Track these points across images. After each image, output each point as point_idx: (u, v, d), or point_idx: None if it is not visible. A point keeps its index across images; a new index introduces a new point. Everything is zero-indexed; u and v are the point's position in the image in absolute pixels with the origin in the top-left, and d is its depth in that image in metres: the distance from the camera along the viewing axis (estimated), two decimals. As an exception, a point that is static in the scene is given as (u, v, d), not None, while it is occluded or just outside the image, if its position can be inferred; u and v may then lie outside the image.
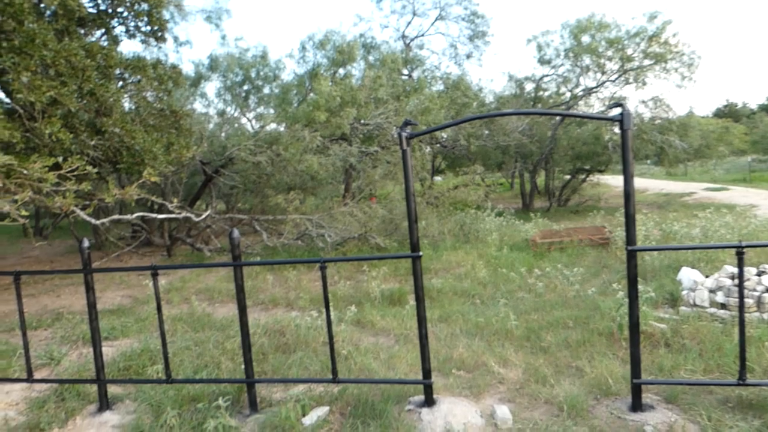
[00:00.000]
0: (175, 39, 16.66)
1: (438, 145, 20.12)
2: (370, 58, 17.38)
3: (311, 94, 13.88)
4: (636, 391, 3.67)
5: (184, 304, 7.88)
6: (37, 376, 4.70)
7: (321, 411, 3.93)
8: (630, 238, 3.49)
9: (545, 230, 11.81)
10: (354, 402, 4.04)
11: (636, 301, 3.56)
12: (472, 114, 17.76)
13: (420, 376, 3.95)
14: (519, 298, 7.12)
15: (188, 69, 17.50)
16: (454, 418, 3.71)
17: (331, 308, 6.91)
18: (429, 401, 3.86)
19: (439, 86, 18.93)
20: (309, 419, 3.81)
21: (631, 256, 3.50)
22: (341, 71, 15.27)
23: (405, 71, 19.78)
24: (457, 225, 12.34)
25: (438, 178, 28.42)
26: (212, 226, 13.39)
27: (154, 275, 4.05)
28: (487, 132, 19.11)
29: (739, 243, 3.36)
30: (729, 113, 49.16)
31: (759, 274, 5.43)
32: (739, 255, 3.38)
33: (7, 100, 6.70)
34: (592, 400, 4.00)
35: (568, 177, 21.26)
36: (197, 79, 15.91)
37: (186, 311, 7.31)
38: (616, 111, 3.50)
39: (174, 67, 9.46)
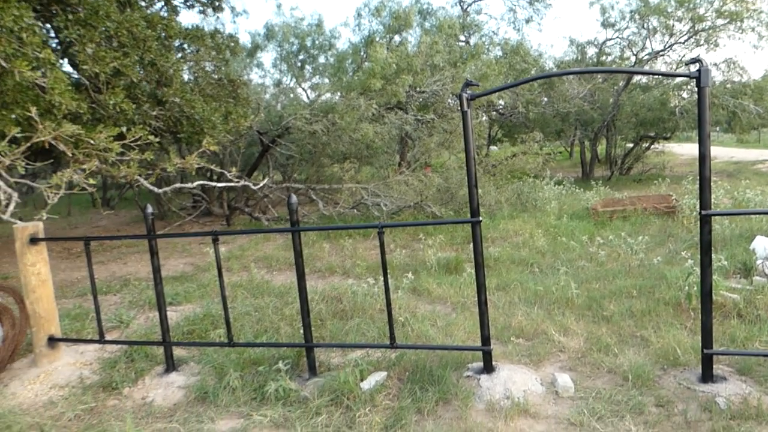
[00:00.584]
0: (232, 9, 16.77)
1: (495, 113, 19.64)
2: (427, 24, 17.00)
3: (366, 63, 13.75)
4: (707, 361, 3.49)
5: (244, 272, 8.07)
6: (108, 338, 4.92)
7: (379, 376, 3.95)
8: (704, 202, 3.27)
9: (607, 199, 11.39)
10: (411, 368, 4.03)
11: (709, 268, 3.36)
12: (530, 79, 17.18)
13: (478, 344, 3.89)
14: (579, 266, 6.92)
15: (245, 39, 17.68)
16: (514, 385, 3.65)
17: (388, 276, 6.96)
18: (488, 368, 3.80)
19: (497, 52, 18.37)
20: (367, 383, 3.83)
21: (705, 221, 3.29)
22: (397, 38, 15.03)
23: (462, 37, 19.28)
24: (514, 194, 12.07)
25: (494, 148, 27.85)
26: (269, 195, 13.61)
27: (215, 241, 4.12)
28: (546, 99, 18.49)
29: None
30: (811, 74, 45.73)
31: None
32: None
33: (74, 72, 6.92)
34: (659, 370, 3.85)
35: (630, 145, 20.38)
36: (253, 49, 16.03)
37: (245, 278, 7.48)
38: (693, 68, 3.25)
39: (231, 36, 9.53)
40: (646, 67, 18.47)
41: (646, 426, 3.18)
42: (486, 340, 3.76)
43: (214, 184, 7.75)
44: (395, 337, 3.97)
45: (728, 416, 3.17)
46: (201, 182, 7.61)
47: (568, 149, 28.72)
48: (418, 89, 12.83)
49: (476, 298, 3.80)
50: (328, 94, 15.72)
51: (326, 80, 16.47)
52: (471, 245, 8.69)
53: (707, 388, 3.47)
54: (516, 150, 15.56)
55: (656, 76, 18.44)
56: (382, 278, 6.65)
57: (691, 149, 27.20)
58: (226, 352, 4.50)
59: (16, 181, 5.28)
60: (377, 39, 14.06)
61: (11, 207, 4.83)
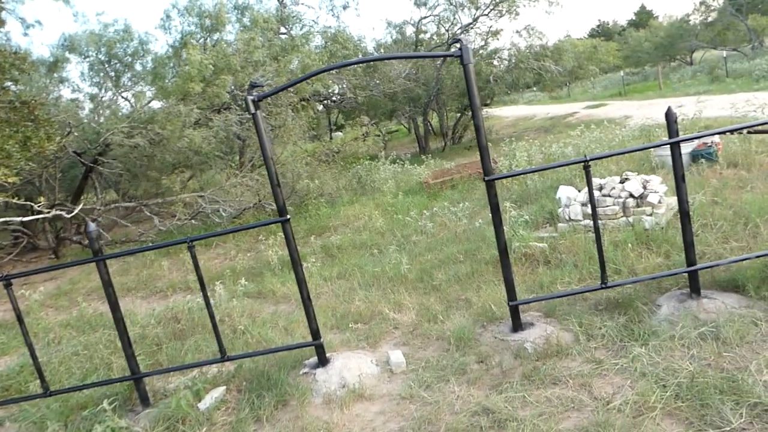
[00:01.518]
0: (22, 21, 15.03)
1: (327, 101, 19.80)
2: (245, 20, 16.58)
3: (186, 66, 13.14)
4: (514, 312, 3.85)
5: (74, 308, 7.43)
6: None
7: (217, 392, 3.85)
8: (486, 169, 3.57)
9: (437, 170, 12.04)
10: (249, 377, 3.98)
11: (500, 227, 3.69)
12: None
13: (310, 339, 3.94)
14: (413, 241, 7.25)
15: (42, 53, 16.01)
16: (349, 372, 3.75)
17: (229, 283, 6.79)
18: (322, 361, 3.87)
19: (320, 41, 18.46)
20: (204, 403, 3.73)
21: (490, 185, 3.60)
22: (214, 37, 14.53)
23: (283, 30, 19.09)
24: (354, 179, 12.32)
25: (338, 134, 28.12)
26: (100, 218, 12.59)
27: (7, 286, 3.73)
28: (377, 81, 18.97)
29: (585, 157, 3.54)
30: (602, 32, 51.59)
31: (622, 182, 5.80)
32: (586, 169, 3.56)
33: None
34: (479, 328, 4.17)
35: (459, 115, 21.68)
36: (54, 63, 14.57)
37: (75, 315, 6.89)
38: (455, 48, 3.52)
39: (16, 53, 8.59)
40: (462, 39, 19.60)
41: (468, 384, 3.43)
42: (315, 333, 3.82)
43: (23, 218, 7.02)
44: (225, 350, 3.89)
45: (535, 358, 3.53)
46: (4, 219, 6.84)
47: (407, 127, 29.87)
48: (242, 88, 12.53)
49: (308, 293, 3.83)
50: (151, 103, 14.81)
51: (147, 88, 15.51)
52: (312, 238, 8.79)
53: (518, 336, 3.83)
54: (353, 135, 15.86)
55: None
56: (231, 286, 6.53)
57: (513, 111, 29.60)
58: (46, 403, 4.12)
59: None
60: (192, 40, 13.46)
61: None
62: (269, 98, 12.80)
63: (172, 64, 14.64)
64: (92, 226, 3.66)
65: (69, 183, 14.62)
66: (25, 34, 20.59)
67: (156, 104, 14.71)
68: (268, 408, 3.54)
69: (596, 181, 5.97)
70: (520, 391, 3.18)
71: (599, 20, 70.52)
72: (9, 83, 9.04)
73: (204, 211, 10.99)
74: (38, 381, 4.66)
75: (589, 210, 5.84)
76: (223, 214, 10.53)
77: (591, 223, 5.75)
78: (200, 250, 9.49)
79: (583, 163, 3.56)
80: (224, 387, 3.92)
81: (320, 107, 21.60)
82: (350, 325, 4.80)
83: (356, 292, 5.66)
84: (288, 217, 3.67)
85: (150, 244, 10.35)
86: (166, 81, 13.74)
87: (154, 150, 11.55)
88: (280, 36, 18.22)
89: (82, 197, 14.38)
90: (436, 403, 3.25)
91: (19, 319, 3.79)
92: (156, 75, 14.36)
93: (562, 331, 3.78)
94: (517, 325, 3.88)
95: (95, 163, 12.72)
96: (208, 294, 5.92)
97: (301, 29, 19.17)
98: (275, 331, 5.01)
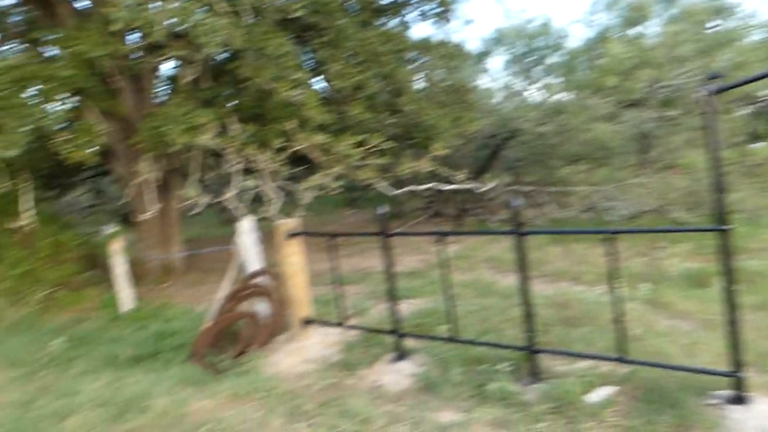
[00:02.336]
0: (461, 18, 17.14)
1: (755, 105, 16.86)
2: (670, 12, 15.41)
3: (600, 60, 13.02)
4: None
5: (470, 272, 8.24)
6: (348, 324, 5.47)
7: (607, 390, 3.73)
8: None
9: None
10: (645, 386, 3.72)
11: None
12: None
13: (727, 369, 3.43)
14: None
15: (473, 46, 18.05)
16: (773, 422, 3.13)
17: (622, 285, 6.49)
18: (739, 398, 3.33)
19: (759, 35, 15.72)
20: (593, 396, 3.65)
21: None
22: (634, 31, 13.93)
23: (713, 23, 16.97)
24: (781, 198, 10.25)
25: (760, 145, 23.88)
26: (498, 198, 13.67)
27: (442, 241, 4.33)
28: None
29: None
30: None
31: None
32: None
33: (323, 88, 7.87)
34: None
35: None
36: (481, 55, 16.28)
37: (472, 278, 7.64)
38: None
39: (457, 45, 9.84)
40: None
41: None
42: (738, 365, 3.30)
43: (443, 186, 8.08)
44: (627, 352, 3.71)
45: None
46: (430, 185, 8.01)
47: None
48: (659, 84, 11.69)
49: (727, 317, 3.36)
50: (559, 95, 15.22)
51: (556, 80, 15.99)
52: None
53: None
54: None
55: None
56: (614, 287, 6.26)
57: None
58: (449, 348, 4.68)
59: (278, 186, 6.20)
60: (612, 34, 13.21)
61: (276, 206, 5.69)
62: (691, 97, 11.63)
63: (585, 58, 14.69)
64: (517, 200, 3.92)
65: (475, 162, 16.31)
66: (461, 29, 23.48)
67: (560, 96, 15.07)
68: (665, 426, 3.25)
69: None
70: None
71: None
72: (445, 70, 10.41)
73: (598, 206, 10.79)
74: (444, 326, 5.37)
75: None
76: (618, 212, 10.12)
77: None
78: (590, 244, 9.37)
79: None
80: (615, 388, 3.76)
81: (741, 112, 18.58)
82: (774, 368, 4.01)
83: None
84: (730, 227, 3.21)
85: (551, 228, 10.71)
86: (578, 74, 13.87)
87: (558, 140, 11.84)
88: (709, 30, 16.27)
89: (484, 176, 15.88)
90: None
91: (446, 271, 4.36)
92: (568, 68, 14.64)
93: None
94: None
95: (501, 146, 13.81)
96: (602, 291, 5.81)
97: (736, 22, 16.72)
98: (673, 347, 4.57)
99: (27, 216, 7.05)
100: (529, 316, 3.99)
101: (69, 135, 5.87)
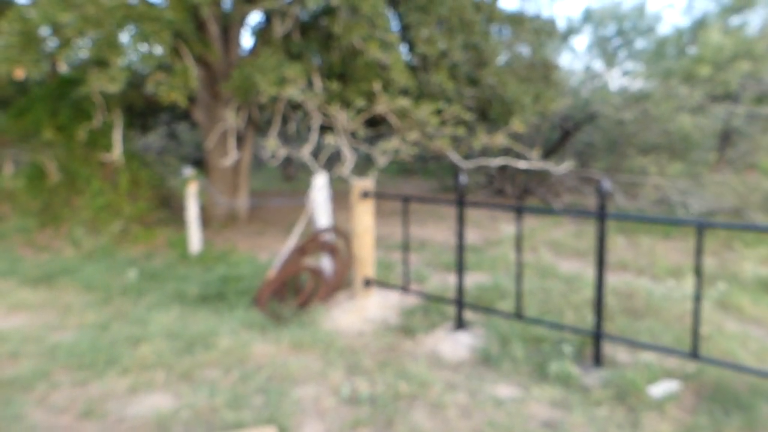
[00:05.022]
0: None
1: None
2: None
3: (691, 48, 12.36)
4: None
5: (531, 253, 8.16)
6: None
7: (671, 384, 3.68)
8: None
9: None
10: (712, 385, 3.65)
11: None
12: None
13: (806, 378, 3.32)
14: None
15: (559, 23, 17.42)
16: None
17: (684, 280, 6.30)
18: (815, 409, 3.22)
19: None
20: (657, 389, 3.61)
21: None
22: (735, 20, 13.10)
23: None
24: None
25: None
26: (564, 181, 13.38)
27: (519, 215, 4.31)
28: None
29: None
30: None
31: None
32: None
33: (408, 53, 7.82)
34: None
35: None
36: (567, 33, 15.74)
37: (532, 259, 7.57)
38: None
39: (550, 20, 9.54)
40: None
41: None
42: (818, 376, 3.19)
43: (516, 163, 7.94)
44: (699, 348, 3.63)
45: None
46: (504, 161, 7.91)
47: None
48: (758, 78, 11.02)
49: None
50: (641, 82, 14.58)
51: (641, 66, 15.29)
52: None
53: None
54: None
55: None
56: (683, 282, 6.10)
57: None
58: (510, 323, 4.69)
59: (354, 146, 6.27)
60: (710, 21, 12.46)
61: (349, 166, 5.76)
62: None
63: (672, 46, 13.97)
64: (606, 183, 3.84)
65: (544, 143, 15.93)
66: (550, 5, 22.74)
67: (641, 84, 14.44)
68: (732, 428, 3.18)
69: None
70: None
71: None
72: (531, 46, 10.11)
73: (670, 199, 10.40)
74: (504, 302, 5.37)
75: None
76: (691, 208, 9.74)
77: None
78: (657, 237, 9.09)
79: None
80: (680, 383, 3.71)
81: None
82: None
83: None
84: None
85: (648, 216, 10.43)
86: (667, 61, 13.21)
87: (636, 128, 11.41)
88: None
89: (550, 158, 15.55)
90: None
91: (518, 246, 4.35)
92: (657, 54, 13.97)
93: None
94: None
95: (574, 129, 13.43)
96: (671, 286, 5.67)
97: None
98: (742, 351, 4.43)
99: (116, 151, 7.41)
100: (599, 301, 3.95)
101: (165, 76, 6.10)
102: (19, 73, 5.45)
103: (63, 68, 8.10)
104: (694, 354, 3.60)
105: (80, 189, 8.32)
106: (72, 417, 3.39)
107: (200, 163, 11.13)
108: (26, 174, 8.87)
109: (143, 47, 5.72)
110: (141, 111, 10.80)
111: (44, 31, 5.60)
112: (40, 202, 8.56)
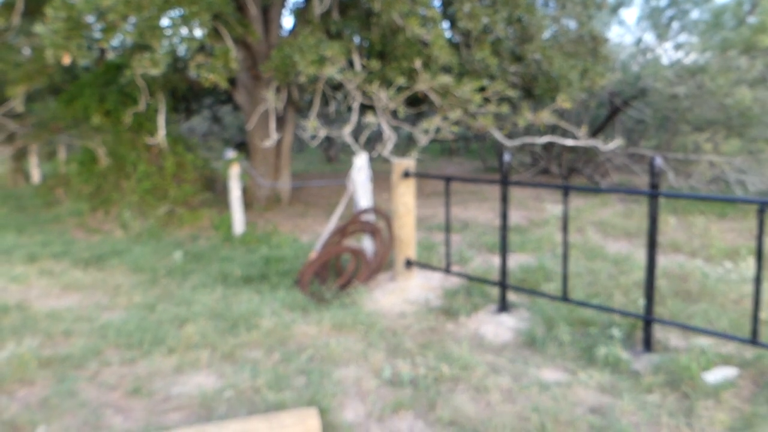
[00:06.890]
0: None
1: None
2: None
3: (751, 17, 11.67)
4: None
5: (577, 234, 7.94)
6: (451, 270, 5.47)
7: (727, 371, 3.50)
8: None
9: None
10: (773, 373, 3.45)
11: None
12: None
13: None
14: None
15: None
16: None
17: (740, 262, 6.01)
18: None
19: None
20: (712, 376, 3.43)
21: None
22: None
23: None
24: None
25: None
26: (612, 160, 12.95)
27: (566, 194, 4.15)
28: None
29: None
30: None
31: None
32: None
33: (449, 29, 7.63)
34: None
35: None
36: (616, 5, 15.13)
37: (579, 240, 7.36)
38: None
39: (597, -8, 9.15)
40: None
41: None
42: None
43: (563, 141, 7.69)
44: (760, 334, 3.44)
45: None
46: (550, 139, 7.67)
47: None
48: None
49: None
50: (695, 55, 13.90)
51: (695, 38, 14.58)
52: None
53: None
54: None
55: None
56: (741, 264, 5.81)
57: None
58: (556, 306, 4.56)
59: (394, 126, 6.17)
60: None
61: (390, 146, 5.68)
62: None
63: (730, 15, 13.23)
64: (658, 160, 3.65)
65: (592, 121, 15.44)
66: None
67: (695, 57, 13.76)
68: (795, 419, 3.01)
69: None
70: None
71: None
72: (585, 19, 9.66)
73: (726, 178, 9.93)
74: (549, 284, 5.24)
75: None
76: (749, 187, 9.27)
77: None
78: (712, 217, 8.70)
79: None
80: (737, 370, 3.52)
81: None
82: None
83: None
84: None
85: (705, 194, 10.06)
86: (724, 32, 12.54)
87: (690, 103, 10.89)
88: None
89: (597, 135, 15.06)
90: None
91: (565, 227, 4.21)
92: (714, 25, 13.27)
93: None
94: None
95: (624, 106, 12.93)
96: (728, 267, 5.41)
97: None
98: (807, 337, 4.18)
99: (160, 135, 7.53)
100: (650, 284, 3.78)
101: (206, 59, 6.13)
102: (66, 59, 5.57)
103: (109, 54, 8.25)
104: (753, 340, 3.41)
105: (128, 173, 8.53)
106: (121, 394, 3.48)
107: (243, 146, 11.25)
108: (78, 159, 9.15)
109: (184, 30, 5.75)
110: (184, 95, 10.95)
111: (89, 17, 5.70)
112: (92, 186, 8.83)
